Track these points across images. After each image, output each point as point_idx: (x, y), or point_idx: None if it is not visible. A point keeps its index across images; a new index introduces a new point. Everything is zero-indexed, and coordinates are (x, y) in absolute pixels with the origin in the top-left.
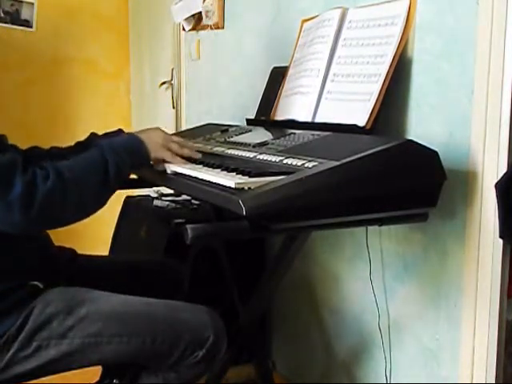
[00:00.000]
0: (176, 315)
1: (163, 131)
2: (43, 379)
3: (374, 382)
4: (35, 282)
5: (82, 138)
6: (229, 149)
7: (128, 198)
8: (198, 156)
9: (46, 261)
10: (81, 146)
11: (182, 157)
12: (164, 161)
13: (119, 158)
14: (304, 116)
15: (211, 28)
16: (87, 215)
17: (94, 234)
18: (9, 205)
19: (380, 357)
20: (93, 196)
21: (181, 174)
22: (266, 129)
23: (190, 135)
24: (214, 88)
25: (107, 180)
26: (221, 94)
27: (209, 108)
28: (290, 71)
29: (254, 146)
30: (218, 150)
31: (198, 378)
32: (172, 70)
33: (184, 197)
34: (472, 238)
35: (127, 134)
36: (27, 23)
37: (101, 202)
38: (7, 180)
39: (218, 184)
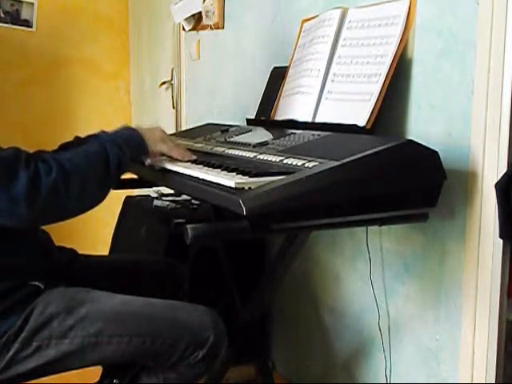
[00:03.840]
0: (176, 315)
1: (161, 128)
2: (43, 379)
3: (374, 382)
4: (36, 282)
5: None
6: (229, 149)
7: (128, 198)
8: (193, 157)
9: (47, 261)
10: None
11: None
12: (162, 154)
13: (119, 150)
14: (304, 116)
15: (211, 28)
16: (90, 207)
17: (94, 234)
18: (14, 199)
19: (380, 357)
20: (95, 188)
21: (181, 173)
22: (266, 129)
23: (190, 135)
24: (214, 88)
25: (108, 172)
26: (221, 94)
27: (209, 108)
28: (290, 71)
29: (254, 146)
30: (218, 149)
31: (198, 377)
32: (172, 69)
33: (184, 197)
34: (472, 238)
35: (125, 127)
36: (27, 23)
37: (102, 194)
38: (11, 174)
39: (218, 184)
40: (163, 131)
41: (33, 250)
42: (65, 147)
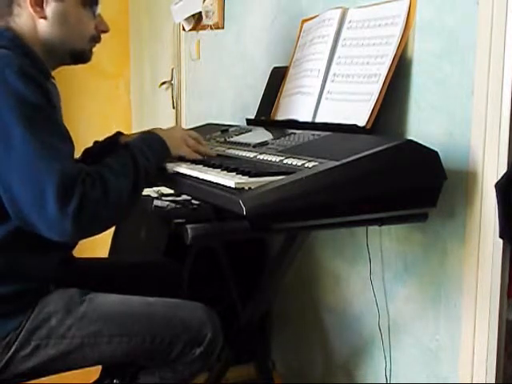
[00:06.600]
0: (174, 313)
1: (182, 128)
2: (43, 379)
3: (374, 382)
4: (50, 287)
5: (82, 138)
6: (229, 149)
7: None
8: (214, 153)
9: (61, 267)
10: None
11: (199, 153)
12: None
13: (147, 161)
14: (304, 116)
15: (211, 28)
16: (124, 219)
17: None
18: (65, 215)
19: (380, 357)
20: (128, 200)
21: (181, 173)
22: (266, 129)
23: None
24: (214, 88)
25: (138, 184)
26: (221, 94)
27: (209, 108)
28: (290, 71)
29: (254, 146)
30: (218, 149)
31: (195, 375)
32: (172, 70)
33: (184, 197)
34: (472, 238)
35: (149, 132)
36: None
37: (133, 205)
38: (69, 192)
39: (218, 184)
40: (183, 131)
41: (55, 256)
42: (88, 153)
